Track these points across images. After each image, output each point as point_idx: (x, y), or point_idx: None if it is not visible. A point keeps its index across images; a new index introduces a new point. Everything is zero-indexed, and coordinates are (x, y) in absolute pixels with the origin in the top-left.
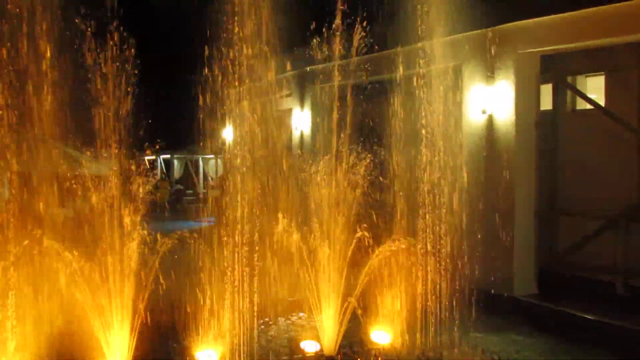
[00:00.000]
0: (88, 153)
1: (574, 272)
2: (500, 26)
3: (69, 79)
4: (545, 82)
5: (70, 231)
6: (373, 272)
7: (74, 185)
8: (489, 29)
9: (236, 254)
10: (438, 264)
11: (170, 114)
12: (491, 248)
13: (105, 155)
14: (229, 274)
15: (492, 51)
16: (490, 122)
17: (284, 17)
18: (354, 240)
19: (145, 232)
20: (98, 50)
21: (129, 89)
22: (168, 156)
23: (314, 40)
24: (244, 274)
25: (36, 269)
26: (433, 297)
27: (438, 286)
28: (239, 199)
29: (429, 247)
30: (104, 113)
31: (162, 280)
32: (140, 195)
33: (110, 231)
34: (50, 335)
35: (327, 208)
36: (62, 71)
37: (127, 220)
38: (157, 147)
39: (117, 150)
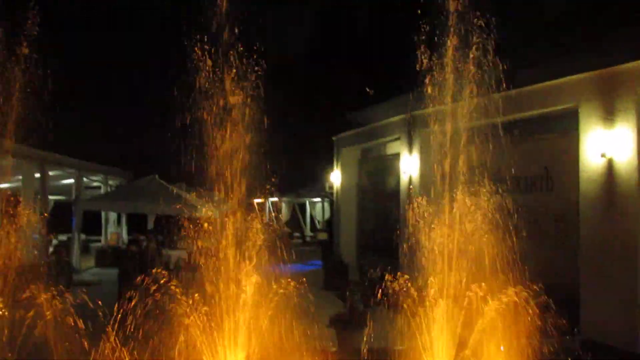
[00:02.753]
0: (200, 194)
1: None
2: (620, 66)
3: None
4: None
5: (184, 273)
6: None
7: (189, 228)
8: (608, 69)
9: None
10: (555, 313)
11: (281, 159)
12: (611, 299)
13: (216, 197)
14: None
15: (612, 93)
16: (609, 166)
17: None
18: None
19: (256, 277)
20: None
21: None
22: (276, 199)
23: (425, 83)
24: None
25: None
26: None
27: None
28: (346, 242)
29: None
30: (218, 157)
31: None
32: (251, 239)
33: (223, 274)
34: None
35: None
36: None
37: (238, 262)
38: (272, 187)
39: (231, 193)
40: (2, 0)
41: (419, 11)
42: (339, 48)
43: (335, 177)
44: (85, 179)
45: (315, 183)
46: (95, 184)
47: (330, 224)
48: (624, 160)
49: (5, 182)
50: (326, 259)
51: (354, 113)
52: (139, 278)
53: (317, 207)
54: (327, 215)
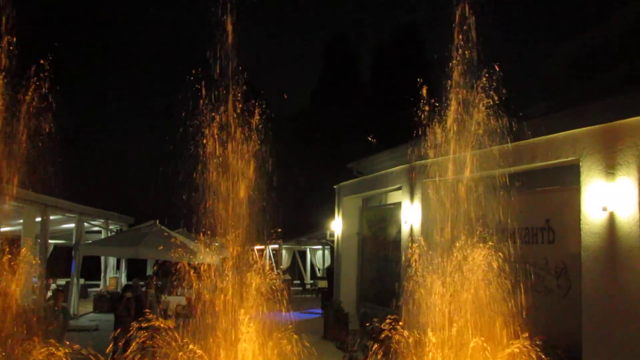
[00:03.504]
0: (200, 241)
1: None
2: (622, 121)
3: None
4: None
5: (183, 319)
6: None
7: (188, 274)
8: (610, 124)
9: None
10: None
11: (282, 206)
12: (615, 353)
13: (216, 244)
14: None
15: (613, 147)
16: (611, 219)
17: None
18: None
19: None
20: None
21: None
22: (276, 246)
23: (427, 134)
24: None
25: None
26: None
27: None
28: (347, 290)
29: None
30: (220, 204)
31: None
32: (252, 286)
33: (222, 322)
34: None
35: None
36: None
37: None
38: (274, 237)
39: (230, 240)
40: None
41: (421, 65)
42: (340, 99)
43: (337, 225)
44: (86, 224)
45: (316, 231)
46: (95, 228)
47: (330, 272)
48: (625, 214)
49: (6, 226)
50: (326, 307)
51: (355, 162)
52: (133, 324)
53: (317, 255)
54: (327, 262)
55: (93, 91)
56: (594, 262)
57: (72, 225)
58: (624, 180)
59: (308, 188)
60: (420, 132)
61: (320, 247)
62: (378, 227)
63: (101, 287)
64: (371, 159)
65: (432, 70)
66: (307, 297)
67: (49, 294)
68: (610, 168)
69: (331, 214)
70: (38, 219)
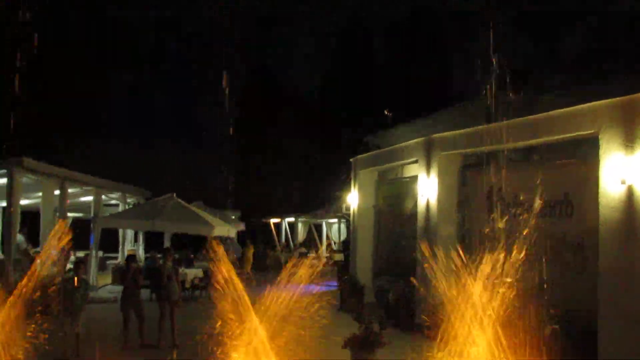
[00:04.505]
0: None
1: None
2: None
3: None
4: None
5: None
6: None
7: (206, 246)
8: (629, 96)
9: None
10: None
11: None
12: (631, 327)
13: (233, 217)
14: None
15: (633, 120)
16: (629, 192)
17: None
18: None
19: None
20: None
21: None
22: (292, 219)
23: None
24: None
25: None
26: None
27: None
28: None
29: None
30: (236, 177)
31: None
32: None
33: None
34: None
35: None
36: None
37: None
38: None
39: (246, 213)
40: None
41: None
42: (358, 73)
43: (353, 199)
44: (103, 197)
45: (332, 204)
46: (113, 201)
47: (346, 245)
48: None
49: (26, 199)
50: (342, 280)
51: (372, 136)
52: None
53: (333, 228)
54: (343, 236)
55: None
56: (612, 235)
57: (90, 198)
58: None
59: (326, 163)
60: (438, 105)
61: (336, 220)
62: (394, 201)
63: (119, 259)
64: (388, 132)
65: (448, 46)
66: (323, 270)
67: (69, 265)
68: (629, 141)
69: (348, 188)
70: (57, 192)
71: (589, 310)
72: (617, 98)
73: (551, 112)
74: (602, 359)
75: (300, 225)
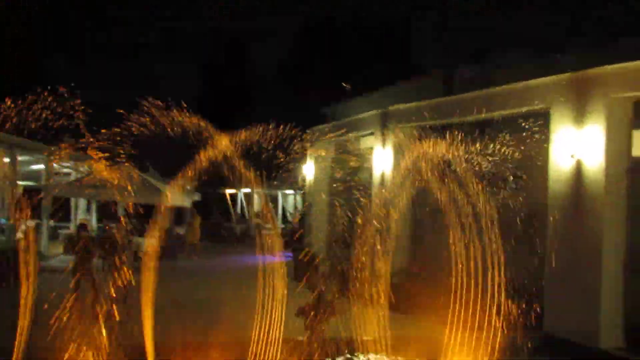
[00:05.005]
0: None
1: None
2: (592, 70)
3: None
4: (638, 127)
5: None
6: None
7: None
8: (579, 72)
9: None
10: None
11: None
12: (575, 297)
13: (188, 187)
14: None
15: (582, 95)
16: (578, 167)
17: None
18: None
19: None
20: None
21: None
22: (249, 190)
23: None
24: None
25: None
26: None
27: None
28: (317, 234)
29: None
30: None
31: None
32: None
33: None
34: None
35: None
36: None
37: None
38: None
39: (200, 183)
40: None
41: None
42: (316, 43)
43: (308, 170)
44: (55, 165)
45: (288, 175)
46: (65, 170)
47: (303, 217)
48: (592, 162)
49: None
50: (297, 250)
51: (328, 107)
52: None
53: (289, 200)
54: (299, 207)
55: None
56: (560, 209)
57: (42, 166)
58: (592, 128)
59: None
60: (394, 77)
61: (292, 192)
62: (349, 173)
63: (71, 228)
64: (344, 104)
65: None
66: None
67: (19, 234)
68: (579, 116)
69: (303, 159)
70: (6, 160)
71: (536, 278)
72: (567, 73)
73: (505, 86)
74: (547, 328)
75: (256, 196)
